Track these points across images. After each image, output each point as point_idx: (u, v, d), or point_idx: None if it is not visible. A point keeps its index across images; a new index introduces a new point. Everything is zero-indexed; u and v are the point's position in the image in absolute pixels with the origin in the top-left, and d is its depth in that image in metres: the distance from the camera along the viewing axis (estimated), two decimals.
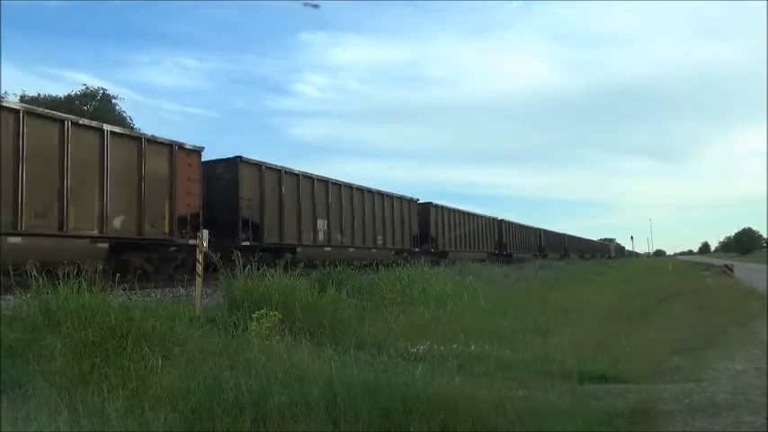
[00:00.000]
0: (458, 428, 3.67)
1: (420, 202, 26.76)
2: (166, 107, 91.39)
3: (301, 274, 9.19)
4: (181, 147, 13.87)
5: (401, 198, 24.86)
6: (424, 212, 26.79)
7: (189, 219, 13.80)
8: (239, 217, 15.25)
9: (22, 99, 29.04)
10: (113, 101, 33.86)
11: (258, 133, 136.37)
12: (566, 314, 12.03)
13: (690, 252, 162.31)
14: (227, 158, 15.76)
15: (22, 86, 60.40)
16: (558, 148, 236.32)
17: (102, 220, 11.83)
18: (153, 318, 5.64)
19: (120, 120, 30.78)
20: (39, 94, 31.89)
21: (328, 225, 19.19)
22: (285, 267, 9.28)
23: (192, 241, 12.77)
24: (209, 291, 10.48)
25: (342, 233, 20.07)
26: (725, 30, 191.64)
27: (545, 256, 44.87)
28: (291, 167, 17.89)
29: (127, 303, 6.10)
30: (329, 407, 3.86)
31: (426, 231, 26.66)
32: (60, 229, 10.94)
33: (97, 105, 32.31)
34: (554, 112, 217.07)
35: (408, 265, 13.35)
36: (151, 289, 10.63)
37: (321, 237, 18.86)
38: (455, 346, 6.84)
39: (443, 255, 27.23)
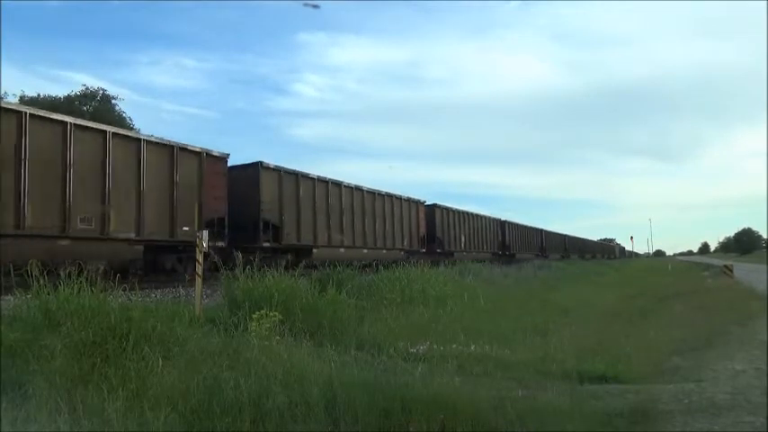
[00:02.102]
0: (457, 429, 3.67)
1: (427, 204, 27.55)
2: (166, 107, 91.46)
3: (302, 275, 9.20)
4: (209, 154, 14.79)
5: (409, 200, 25.68)
6: (431, 214, 27.50)
7: (216, 222, 14.49)
8: (260, 219, 15.99)
9: (22, 99, 29.05)
10: (113, 101, 33.91)
11: (258, 133, 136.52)
12: (565, 314, 12.03)
13: (689, 252, 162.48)
14: (248, 164, 16.52)
15: (21, 87, 60.58)
16: (558, 148, 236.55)
17: (138, 223, 12.67)
18: (153, 318, 5.64)
19: (119, 120, 30.80)
20: (38, 95, 31.91)
21: (342, 227, 19.89)
22: (286, 267, 9.38)
23: (219, 243, 13.82)
24: (208, 291, 10.48)
25: (354, 235, 20.76)
26: (725, 30, 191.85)
27: (546, 257, 45.22)
28: (307, 172, 18.56)
29: (127, 304, 6.10)
30: (329, 407, 3.86)
31: (433, 232, 27.51)
32: (102, 232, 11.94)
33: (97, 106, 32.32)
34: (554, 112, 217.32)
35: (415, 266, 13.48)
36: (151, 289, 10.63)
37: (336, 238, 19.55)
38: (455, 346, 6.83)
39: (449, 255, 27.69)
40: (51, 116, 11.60)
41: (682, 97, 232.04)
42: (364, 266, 12.94)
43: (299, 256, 16.92)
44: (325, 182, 19.31)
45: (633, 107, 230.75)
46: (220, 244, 14.04)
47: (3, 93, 28.24)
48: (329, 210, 19.28)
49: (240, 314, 6.81)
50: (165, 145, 13.79)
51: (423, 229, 26.42)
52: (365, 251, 21.03)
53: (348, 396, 3.92)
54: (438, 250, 27.08)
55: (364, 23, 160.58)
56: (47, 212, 10.95)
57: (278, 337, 5.98)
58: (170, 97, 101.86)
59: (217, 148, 15.18)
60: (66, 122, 11.52)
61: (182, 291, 10.14)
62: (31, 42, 68.15)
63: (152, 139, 13.70)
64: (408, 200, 25.44)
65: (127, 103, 54.54)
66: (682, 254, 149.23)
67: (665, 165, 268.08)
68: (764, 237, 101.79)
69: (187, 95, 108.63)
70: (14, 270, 6.64)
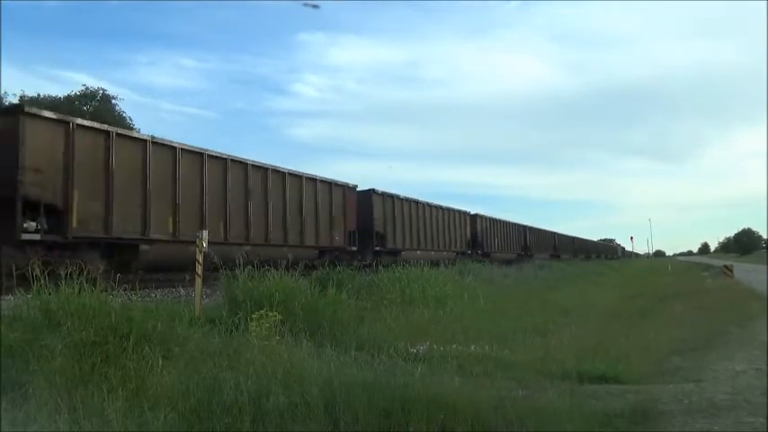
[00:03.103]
0: (457, 429, 3.68)
1: (471, 213, 31.18)
2: (165, 107, 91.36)
3: (302, 275, 9.21)
4: (347, 186, 21.11)
5: (459, 211, 31.62)
6: (473, 222, 32.29)
7: (351, 233, 21.01)
8: (374, 231, 22.54)
9: (22, 99, 29.04)
10: (113, 101, 33.91)
11: (257, 133, 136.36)
12: (565, 314, 12.05)
13: (689, 252, 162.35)
14: (365, 190, 22.58)
15: (21, 86, 60.58)
16: (558, 148, 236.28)
17: (315, 236, 18.97)
18: (154, 318, 5.64)
19: (119, 120, 30.78)
20: (38, 95, 31.91)
21: (419, 235, 26.53)
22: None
23: (353, 247, 20.94)
24: (208, 291, 10.48)
25: (426, 240, 27.18)
26: (725, 30, 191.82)
27: (559, 257, 44.59)
28: (407, 195, 25.48)
29: (128, 304, 6.10)
30: (329, 407, 3.86)
31: (476, 237, 32.38)
32: (300, 243, 17.95)
33: (97, 106, 32.30)
34: (554, 113, 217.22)
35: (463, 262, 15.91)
36: (151, 289, 10.62)
37: (415, 243, 25.85)
38: (455, 346, 6.84)
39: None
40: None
41: (682, 97, 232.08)
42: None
43: (396, 255, 23.01)
44: (409, 201, 25.76)
45: (633, 107, 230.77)
46: (353, 248, 20.79)
47: (3, 93, 28.30)
48: (411, 222, 25.68)
49: (240, 314, 6.81)
50: (327, 182, 19.65)
51: (468, 235, 32.23)
52: (433, 253, 26.87)
53: (348, 396, 3.92)
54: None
55: (364, 23, 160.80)
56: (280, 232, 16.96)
57: (278, 337, 5.98)
58: (170, 97, 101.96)
59: (218, 148, 15.17)
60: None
61: (182, 291, 10.15)
62: (30, 42, 68.24)
63: (325, 179, 19.68)
64: (458, 211, 31.43)
65: (127, 103, 54.51)
66: (682, 254, 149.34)
67: (665, 165, 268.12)
68: (764, 237, 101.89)
69: (187, 95, 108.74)
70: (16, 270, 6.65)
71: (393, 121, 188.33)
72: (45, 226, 10.36)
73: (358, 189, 22.03)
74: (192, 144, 14.06)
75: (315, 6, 7.74)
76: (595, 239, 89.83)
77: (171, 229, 12.87)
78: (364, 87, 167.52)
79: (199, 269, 8.20)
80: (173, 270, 11.62)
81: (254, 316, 6.52)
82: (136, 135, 13.85)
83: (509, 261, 32.67)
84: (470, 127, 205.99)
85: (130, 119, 33.99)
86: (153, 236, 12.35)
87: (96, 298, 5.69)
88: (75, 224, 10.89)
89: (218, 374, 4.40)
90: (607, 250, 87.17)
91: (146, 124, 54.50)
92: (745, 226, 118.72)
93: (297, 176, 18.07)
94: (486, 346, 6.99)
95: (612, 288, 23.99)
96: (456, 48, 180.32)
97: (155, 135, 13.35)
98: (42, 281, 5.82)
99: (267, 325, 6.26)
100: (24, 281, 6.25)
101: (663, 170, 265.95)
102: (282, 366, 4.58)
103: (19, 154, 10.12)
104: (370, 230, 22.82)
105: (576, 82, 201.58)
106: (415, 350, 6.47)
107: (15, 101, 26.73)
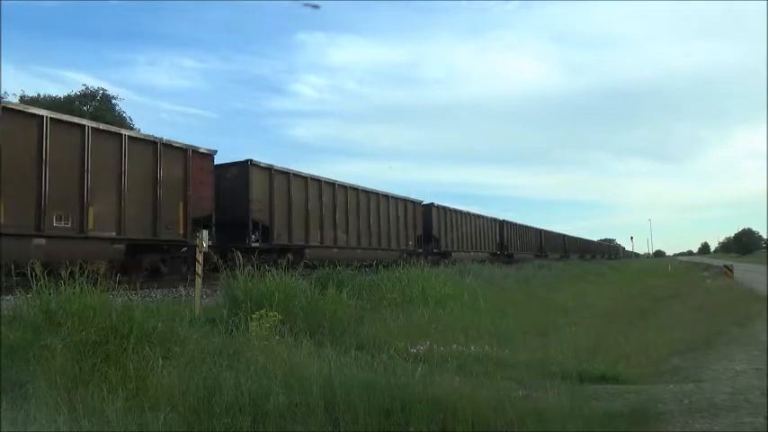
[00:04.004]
0: (457, 429, 3.68)
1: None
2: (164, 107, 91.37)
3: (302, 275, 9.21)
4: (417, 203, 26.07)
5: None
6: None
7: (418, 238, 25.62)
8: (432, 236, 26.57)
9: (22, 99, 29.05)
10: (113, 101, 33.91)
11: (257, 134, 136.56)
12: (565, 314, 12.04)
13: (689, 253, 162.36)
14: (427, 204, 27.21)
15: (21, 86, 60.55)
16: (558, 148, 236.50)
17: None
18: (154, 318, 5.64)
19: (119, 120, 30.79)
20: (38, 95, 31.94)
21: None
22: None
23: (419, 249, 24.20)
24: (208, 291, 10.48)
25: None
26: (725, 30, 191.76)
27: (545, 257, 45.98)
28: (455, 207, 28.51)
29: (129, 303, 6.10)
30: (329, 407, 3.86)
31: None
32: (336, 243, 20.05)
33: (97, 106, 32.33)
34: (554, 113, 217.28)
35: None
36: (152, 289, 10.62)
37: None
38: (455, 346, 6.83)
39: (446, 255, 28.49)
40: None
41: (681, 98, 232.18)
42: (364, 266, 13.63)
43: (447, 256, 27.09)
44: (456, 212, 29.68)
45: (633, 107, 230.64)
46: (419, 250, 25.11)
47: (3, 93, 28.30)
48: (456, 228, 29.23)
49: (240, 314, 6.81)
50: (402, 199, 23.79)
51: (498, 238, 34.75)
52: (472, 253, 30.72)
53: (348, 396, 3.91)
54: (435, 250, 27.66)
55: (363, 23, 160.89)
56: None
57: (278, 337, 5.99)
58: (169, 97, 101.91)
59: (219, 148, 15.46)
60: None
61: (182, 290, 10.14)
62: (30, 42, 68.23)
63: (399, 196, 23.98)
64: (490, 218, 34.12)
65: (126, 104, 54.48)
66: (682, 254, 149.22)
67: (665, 165, 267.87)
68: (764, 237, 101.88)
69: (186, 96, 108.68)
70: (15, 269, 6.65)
71: (393, 121, 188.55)
72: (260, 237, 16.17)
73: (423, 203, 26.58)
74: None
75: (315, 6, 7.71)
76: (596, 240, 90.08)
77: (319, 239, 19.17)
78: (364, 87, 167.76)
79: (199, 269, 8.20)
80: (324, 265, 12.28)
81: (254, 316, 6.53)
82: (318, 177, 19.53)
83: (529, 259, 36.94)
84: (470, 127, 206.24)
85: (130, 119, 34.07)
86: (311, 243, 18.64)
87: (97, 298, 5.69)
88: (275, 237, 16.84)
89: (218, 374, 4.40)
90: (608, 250, 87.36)
91: (145, 124, 54.41)
92: (745, 226, 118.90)
93: (384, 196, 24.14)
94: (486, 346, 6.98)
95: (613, 288, 23.97)
96: (455, 48, 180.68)
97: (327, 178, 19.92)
98: (43, 280, 5.82)
99: (267, 325, 6.27)
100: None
101: (663, 171, 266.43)
102: (282, 366, 4.58)
103: (249, 191, 16.01)
104: (429, 236, 27.80)
105: (575, 82, 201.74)
106: (415, 350, 6.46)
107: (15, 100, 26.72)
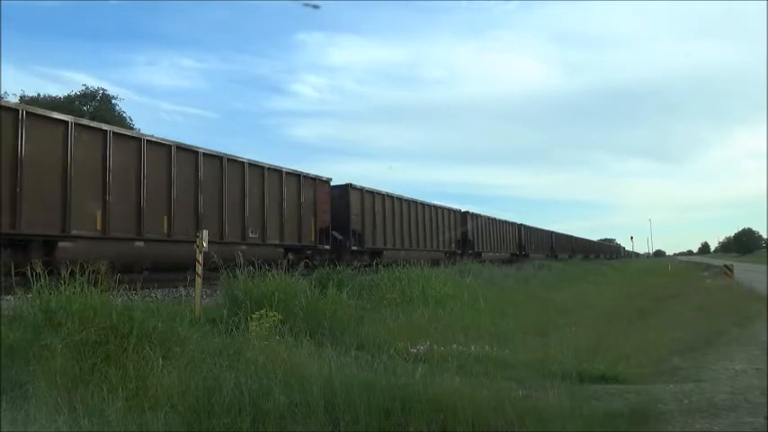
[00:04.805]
0: (457, 429, 3.68)
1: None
2: (164, 107, 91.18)
3: (302, 275, 9.21)
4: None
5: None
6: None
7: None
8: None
9: (22, 99, 29.07)
10: (113, 101, 33.94)
11: (257, 133, 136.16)
12: (565, 314, 12.04)
13: (689, 252, 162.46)
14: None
15: (21, 86, 60.58)
16: (558, 148, 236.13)
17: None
18: (154, 318, 5.64)
19: (119, 120, 30.80)
20: (38, 95, 31.95)
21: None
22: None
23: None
24: (208, 291, 10.48)
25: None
26: (725, 30, 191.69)
27: (556, 257, 48.29)
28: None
29: (129, 303, 6.10)
30: (329, 407, 3.86)
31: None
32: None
33: (97, 106, 32.37)
34: (553, 113, 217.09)
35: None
36: (152, 289, 10.63)
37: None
38: (455, 346, 6.84)
39: (478, 255, 31.53)
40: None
41: (681, 98, 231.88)
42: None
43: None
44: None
45: (633, 107, 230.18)
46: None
47: (3, 93, 28.32)
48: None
49: (240, 314, 6.81)
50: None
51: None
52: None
53: (348, 396, 3.92)
54: (470, 251, 31.10)
55: (362, 23, 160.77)
56: None
57: (278, 337, 5.99)
58: (169, 97, 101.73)
59: (216, 148, 15.42)
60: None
61: (182, 290, 10.14)
62: (30, 42, 68.24)
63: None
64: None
65: (126, 103, 54.54)
66: (682, 254, 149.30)
67: (665, 165, 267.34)
68: (764, 237, 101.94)
69: (186, 95, 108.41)
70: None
71: (393, 121, 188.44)
72: (356, 243, 20.63)
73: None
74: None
75: (315, 6, 7.70)
76: (595, 239, 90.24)
77: (392, 243, 23.43)
78: (364, 87, 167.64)
79: (199, 269, 8.21)
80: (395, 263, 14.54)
81: (254, 316, 6.53)
82: (392, 194, 23.92)
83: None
84: (470, 127, 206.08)
85: (130, 119, 34.10)
86: (387, 246, 22.87)
87: (98, 298, 5.70)
88: (366, 242, 21.39)
89: (219, 374, 4.40)
90: (608, 250, 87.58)
91: (145, 125, 54.37)
92: (745, 226, 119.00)
93: (433, 207, 27.35)
94: (486, 346, 6.99)
95: (613, 288, 23.98)
96: (455, 48, 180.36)
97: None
98: (43, 280, 5.83)
99: (267, 325, 6.27)
100: None
101: (663, 170, 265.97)
102: (282, 366, 4.58)
103: (349, 207, 20.60)
104: (465, 238, 29.83)
105: (575, 82, 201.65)
106: (415, 350, 6.47)
107: (15, 100, 26.75)
